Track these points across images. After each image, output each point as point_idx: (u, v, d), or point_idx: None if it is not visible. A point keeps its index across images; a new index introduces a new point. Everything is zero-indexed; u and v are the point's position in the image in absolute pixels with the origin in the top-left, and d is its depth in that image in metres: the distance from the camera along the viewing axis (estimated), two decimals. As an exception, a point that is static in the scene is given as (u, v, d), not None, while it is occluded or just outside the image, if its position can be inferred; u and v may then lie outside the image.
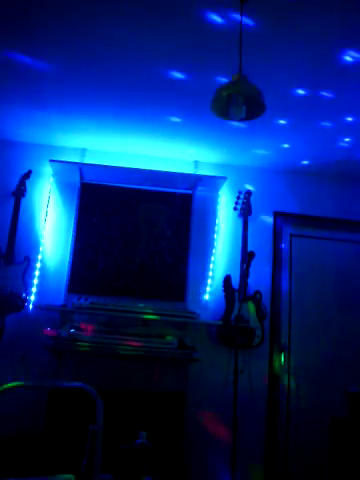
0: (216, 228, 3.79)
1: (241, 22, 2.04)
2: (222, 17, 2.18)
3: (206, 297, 3.65)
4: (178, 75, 2.69)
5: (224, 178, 3.72)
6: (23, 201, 3.55)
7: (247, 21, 2.13)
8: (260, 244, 3.78)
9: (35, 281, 3.50)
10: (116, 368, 3.38)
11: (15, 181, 3.56)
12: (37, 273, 3.52)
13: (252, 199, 3.76)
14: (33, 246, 3.55)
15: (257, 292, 3.56)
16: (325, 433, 3.43)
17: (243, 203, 3.73)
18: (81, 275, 3.57)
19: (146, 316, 3.29)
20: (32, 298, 3.45)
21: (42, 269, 3.55)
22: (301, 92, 2.76)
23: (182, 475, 3.05)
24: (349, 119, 3.04)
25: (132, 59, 2.57)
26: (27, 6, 2.21)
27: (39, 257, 3.55)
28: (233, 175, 3.86)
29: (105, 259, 3.63)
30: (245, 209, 3.71)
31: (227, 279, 3.56)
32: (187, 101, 2.96)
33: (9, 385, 1.56)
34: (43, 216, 3.64)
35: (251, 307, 3.51)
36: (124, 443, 1.79)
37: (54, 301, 3.44)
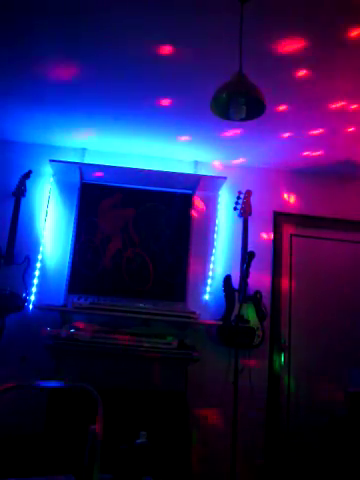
0: (216, 228, 3.79)
1: (241, 22, 2.04)
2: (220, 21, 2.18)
3: (206, 297, 3.65)
4: (179, 76, 2.69)
5: (224, 178, 3.72)
6: (23, 201, 3.56)
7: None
8: (260, 244, 3.78)
9: (35, 281, 3.50)
10: (116, 368, 3.38)
11: (15, 181, 3.56)
12: (37, 273, 3.52)
13: (252, 199, 3.76)
14: (33, 246, 3.56)
15: (257, 292, 3.56)
16: (325, 433, 3.43)
17: (243, 203, 3.73)
18: (81, 275, 3.57)
19: (146, 316, 3.29)
20: (32, 298, 3.45)
21: (42, 269, 3.55)
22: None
23: (183, 475, 3.04)
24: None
25: (132, 60, 2.57)
26: (29, 11, 2.21)
27: (39, 257, 3.56)
28: (233, 175, 3.86)
29: (105, 259, 3.63)
30: (245, 209, 3.71)
31: (227, 279, 3.56)
32: (187, 102, 2.96)
33: (9, 385, 1.56)
34: (43, 216, 3.64)
35: (251, 307, 3.51)
36: (124, 443, 1.79)
37: (54, 301, 3.44)
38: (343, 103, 2.88)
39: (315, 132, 3.27)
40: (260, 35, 2.29)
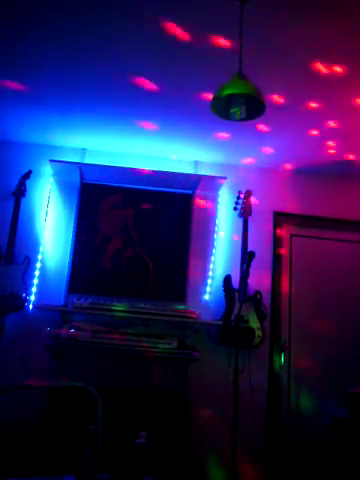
0: (216, 228, 3.79)
1: (241, 22, 2.04)
2: (221, 19, 2.18)
3: (206, 297, 3.65)
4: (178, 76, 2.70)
5: (224, 178, 3.72)
6: (23, 201, 3.56)
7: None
8: (260, 244, 3.78)
9: (35, 281, 3.50)
10: (116, 368, 3.38)
11: (15, 181, 3.56)
12: (37, 273, 3.52)
13: (252, 199, 3.76)
14: (33, 246, 3.55)
15: (257, 292, 3.56)
16: (325, 433, 3.43)
17: (243, 203, 3.73)
18: (81, 275, 3.57)
19: (146, 316, 3.29)
20: (32, 298, 3.45)
21: (42, 269, 3.55)
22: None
23: (183, 475, 3.04)
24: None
25: (132, 59, 2.57)
26: (29, 7, 2.21)
27: (39, 257, 3.55)
28: (233, 175, 3.86)
29: (105, 259, 3.63)
30: (245, 209, 3.70)
31: (227, 279, 3.56)
32: (186, 101, 2.96)
33: (9, 385, 1.56)
34: (43, 216, 3.64)
35: (251, 307, 3.51)
36: (124, 443, 1.79)
37: (54, 301, 3.44)
38: (344, 103, 2.88)
39: (316, 132, 3.27)
40: (260, 34, 2.29)
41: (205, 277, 3.69)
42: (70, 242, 3.63)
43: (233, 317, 3.43)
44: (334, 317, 3.78)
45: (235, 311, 3.44)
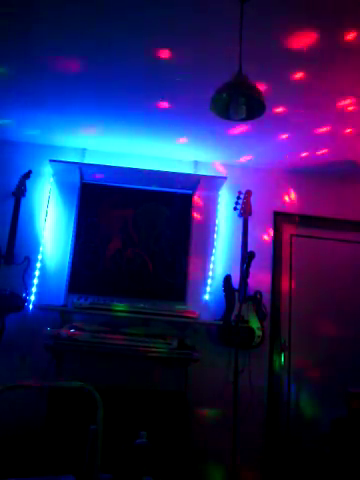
0: (216, 228, 3.79)
1: (241, 22, 2.04)
2: (221, 21, 2.18)
3: (206, 297, 3.65)
4: (178, 76, 2.69)
5: (224, 178, 3.72)
6: (23, 201, 3.56)
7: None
8: (260, 244, 3.78)
9: (35, 281, 3.50)
10: (116, 368, 3.38)
11: (15, 181, 3.56)
12: (37, 273, 3.52)
13: (252, 199, 3.76)
14: (33, 246, 3.56)
15: (257, 292, 3.56)
16: (325, 433, 3.43)
17: (243, 203, 3.73)
18: (81, 275, 3.57)
19: (146, 316, 3.29)
20: (32, 298, 3.45)
21: (42, 269, 3.55)
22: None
23: (183, 475, 3.04)
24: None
25: (132, 59, 2.57)
26: (28, 6, 2.21)
27: (39, 257, 3.56)
28: (233, 175, 3.86)
29: (105, 259, 3.63)
30: (245, 209, 3.71)
31: (227, 279, 3.56)
32: (187, 101, 2.96)
33: (9, 385, 1.56)
34: (43, 216, 3.64)
35: (251, 307, 3.51)
36: (124, 443, 1.79)
37: (54, 301, 3.44)
38: (344, 103, 2.88)
39: (316, 132, 3.27)
40: (261, 34, 2.28)
41: (205, 277, 3.69)
42: (70, 242, 3.63)
43: (233, 317, 3.43)
44: (334, 317, 3.78)
45: (235, 311, 3.44)
